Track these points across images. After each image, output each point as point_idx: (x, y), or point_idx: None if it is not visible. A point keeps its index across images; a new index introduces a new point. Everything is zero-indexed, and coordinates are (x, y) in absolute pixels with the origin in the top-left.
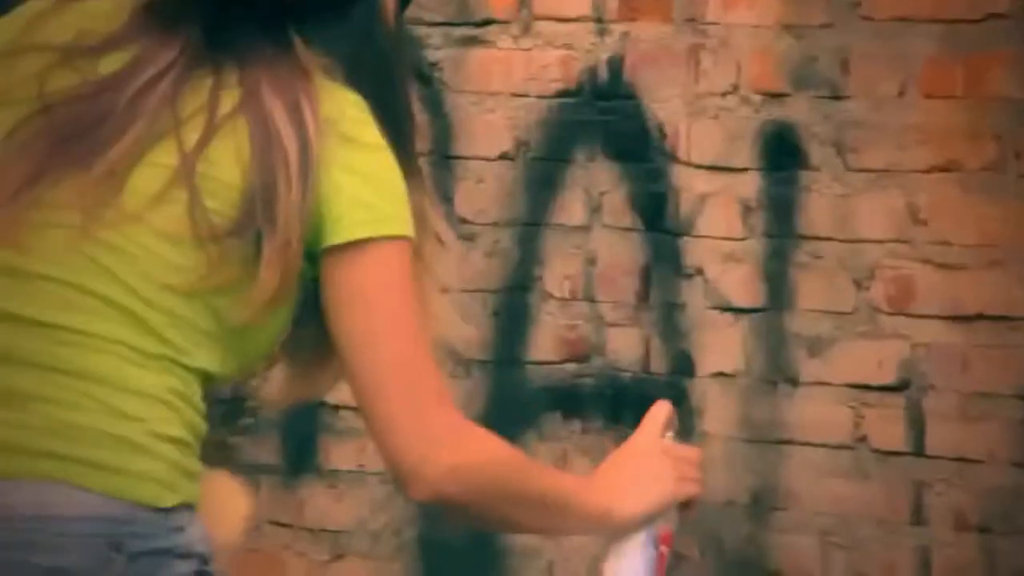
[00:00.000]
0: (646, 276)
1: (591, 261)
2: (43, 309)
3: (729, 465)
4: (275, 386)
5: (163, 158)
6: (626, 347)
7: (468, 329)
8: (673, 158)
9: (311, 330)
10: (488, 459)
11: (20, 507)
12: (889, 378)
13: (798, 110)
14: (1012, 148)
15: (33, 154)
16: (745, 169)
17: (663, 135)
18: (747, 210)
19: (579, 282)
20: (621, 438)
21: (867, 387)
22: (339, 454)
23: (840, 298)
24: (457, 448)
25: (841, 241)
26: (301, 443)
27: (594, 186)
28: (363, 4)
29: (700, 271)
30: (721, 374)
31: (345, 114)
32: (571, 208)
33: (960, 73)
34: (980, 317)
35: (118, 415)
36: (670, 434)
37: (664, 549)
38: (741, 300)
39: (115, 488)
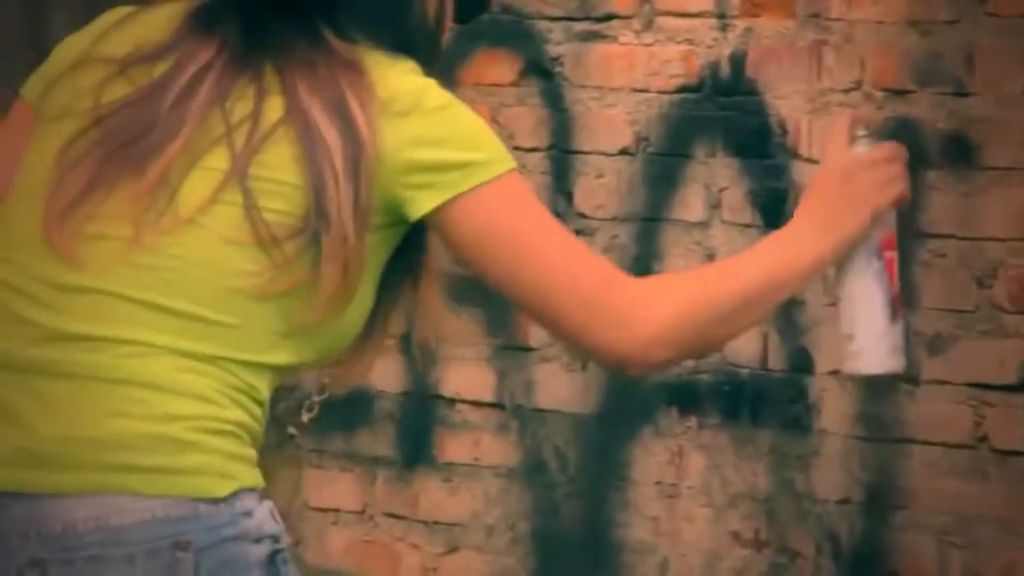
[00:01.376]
0: None
1: (710, 257)
2: (94, 322)
3: (847, 463)
4: (328, 372)
5: (216, 163)
6: (744, 343)
7: None
8: (794, 154)
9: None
10: (680, 309)
11: (82, 522)
12: (1010, 378)
13: (922, 107)
14: None
15: (86, 167)
16: None
17: (784, 131)
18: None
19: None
20: (737, 435)
21: (988, 386)
22: (454, 447)
23: (961, 296)
24: (647, 317)
25: (963, 239)
26: (417, 436)
27: (714, 182)
28: None
29: None
30: (840, 372)
31: (400, 88)
32: (690, 204)
33: None
34: None
35: (167, 417)
36: (862, 137)
37: (889, 254)
38: None
39: (170, 488)
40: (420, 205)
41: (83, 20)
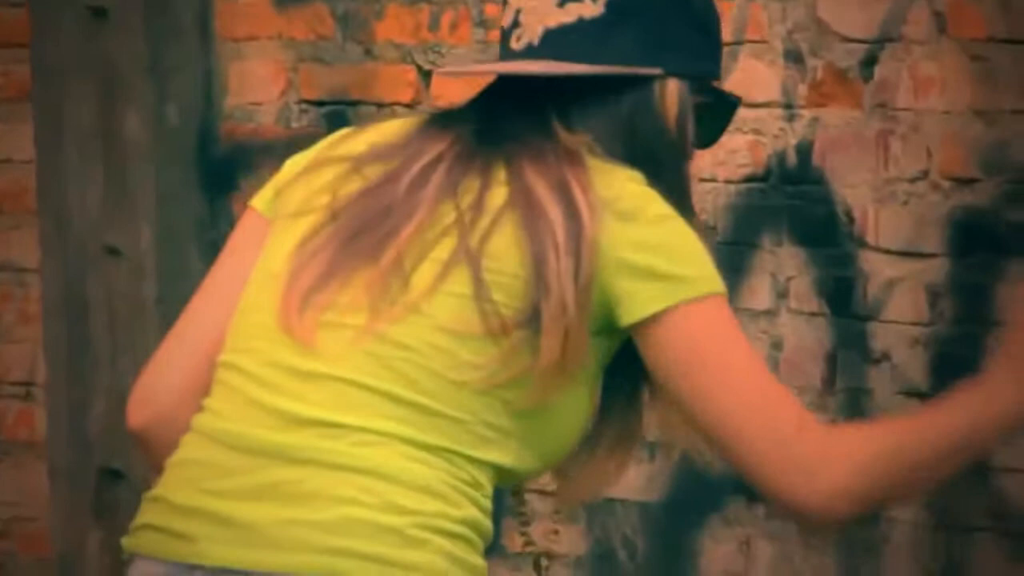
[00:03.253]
0: (832, 361)
1: (777, 346)
2: (329, 409)
3: (916, 552)
4: (562, 479)
5: (446, 252)
6: None
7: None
8: (861, 243)
9: (601, 418)
10: (868, 464)
11: None
12: None
13: (989, 196)
14: None
15: (323, 256)
16: (934, 255)
17: (851, 220)
18: (935, 296)
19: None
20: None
21: None
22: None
23: None
24: (832, 469)
25: None
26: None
27: (781, 271)
28: (628, 95)
29: (887, 356)
30: None
31: (624, 192)
32: (758, 292)
33: None
34: None
35: (394, 508)
36: None
37: None
38: (928, 386)
39: None
40: (630, 311)
41: (152, 115)
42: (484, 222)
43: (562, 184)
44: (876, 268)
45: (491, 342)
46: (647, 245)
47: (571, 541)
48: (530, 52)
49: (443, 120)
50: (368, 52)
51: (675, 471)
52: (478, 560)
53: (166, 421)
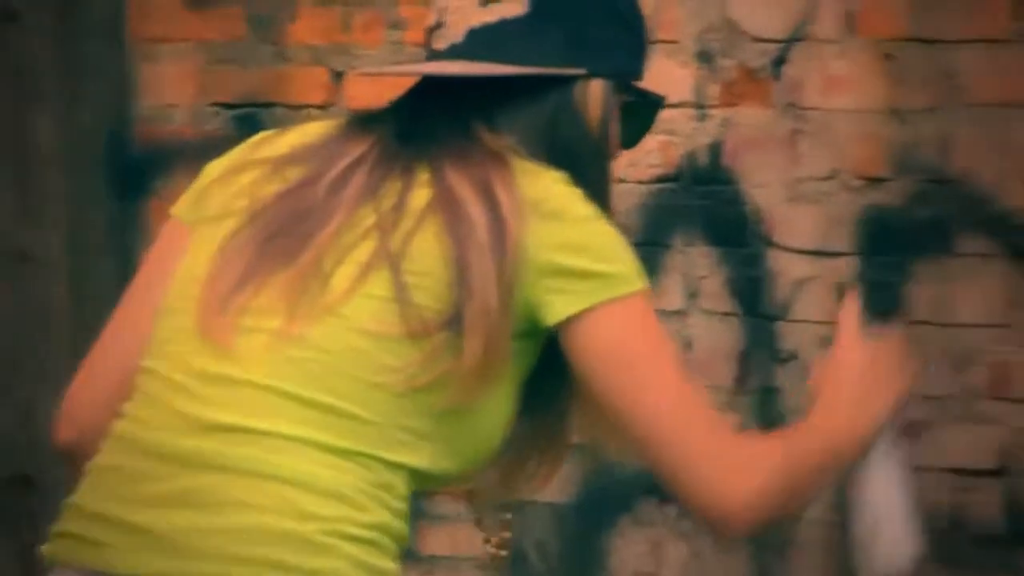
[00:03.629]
0: (743, 361)
1: (688, 345)
2: (238, 414)
3: (827, 550)
4: (485, 482)
5: (365, 254)
6: None
7: None
8: (771, 243)
9: (527, 422)
10: (776, 467)
11: None
12: (988, 463)
13: (898, 195)
14: None
15: (241, 261)
16: (844, 254)
17: (762, 220)
18: (845, 295)
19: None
20: None
21: (966, 471)
22: (434, 540)
23: (939, 382)
24: (748, 473)
25: (939, 326)
26: None
27: (692, 271)
28: (551, 97)
29: (796, 355)
30: None
31: (549, 193)
32: (669, 293)
33: None
34: None
35: (301, 515)
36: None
37: (906, 442)
38: None
39: None
40: (555, 310)
41: (64, 119)
42: (406, 224)
43: (485, 185)
44: (786, 267)
45: (411, 344)
46: (571, 245)
47: (482, 543)
48: (453, 52)
49: (365, 122)
50: (280, 54)
51: (586, 473)
52: (388, 564)
53: (93, 435)
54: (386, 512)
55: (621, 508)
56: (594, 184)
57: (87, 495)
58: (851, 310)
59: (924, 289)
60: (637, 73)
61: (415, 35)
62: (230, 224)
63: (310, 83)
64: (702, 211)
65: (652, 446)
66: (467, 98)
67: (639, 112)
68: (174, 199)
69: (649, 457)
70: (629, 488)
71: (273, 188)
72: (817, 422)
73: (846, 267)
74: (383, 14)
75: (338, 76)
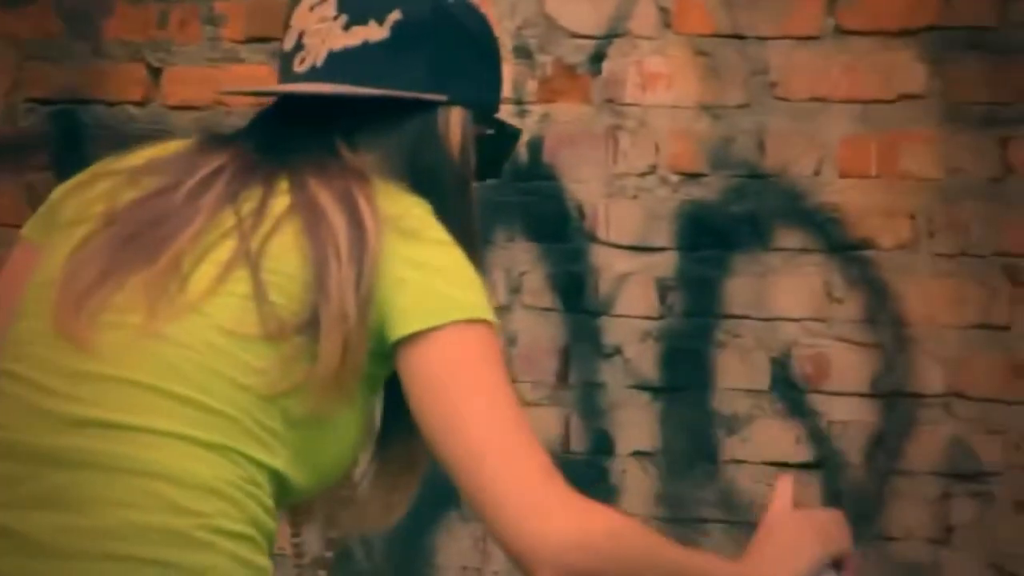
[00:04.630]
0: (566, 356)
1: (511, 341)
2: (107, 409)
3: None
4: (347, 513)
5: (225, 254)
6: (546, 426)
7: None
8: (592, 238)
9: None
10: (610, 529)
11: None
12: (806, 455)
13: (715, 190)
14: (926, 227)
15: (99, 258)
16: (664, 249)
17: (582, 215)
18: (665, 289)
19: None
20: None
21: (785, 464)
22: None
23: (758, 376)
24: (571, 519)
25: (758, 320)
26: None
27: (514, 266)
28: (412, 120)
29: (619, 350)
30: (640, 453)
31: (408, 212)
32: (491, 289)
33: (874, 153)
34: (896, 394)
35: (177, 510)
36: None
37: None
38: (659, 379)
39: None
40: (398, 325)
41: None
42: (265, 226)
43: (347, 195)
44: (607, 263)
45: (270, 346)
46: (425, 264)
47: (307, 541)
48: (313, 74)
49: (223, 139)
50: (96, 50)
51: None
52: (263, 560)
53: None
54: (259, 508)
55: (447, 504)
56: (456, 211)
57: None
58: (787, 489)
59: (742, 283)
60: (495, 104)
61: (232, 31)
62: (84, 229)
63: (127, 80)
64: (523, 207)
65: (474, 478)
66: (329, 122)
67: (496, 144)
68: None
69: (470, 489)
70: (453, 484)
71: (131, 195)
72: (715, 561)
73: (666, 262)
74: (199, 9)
75: (155, 72)
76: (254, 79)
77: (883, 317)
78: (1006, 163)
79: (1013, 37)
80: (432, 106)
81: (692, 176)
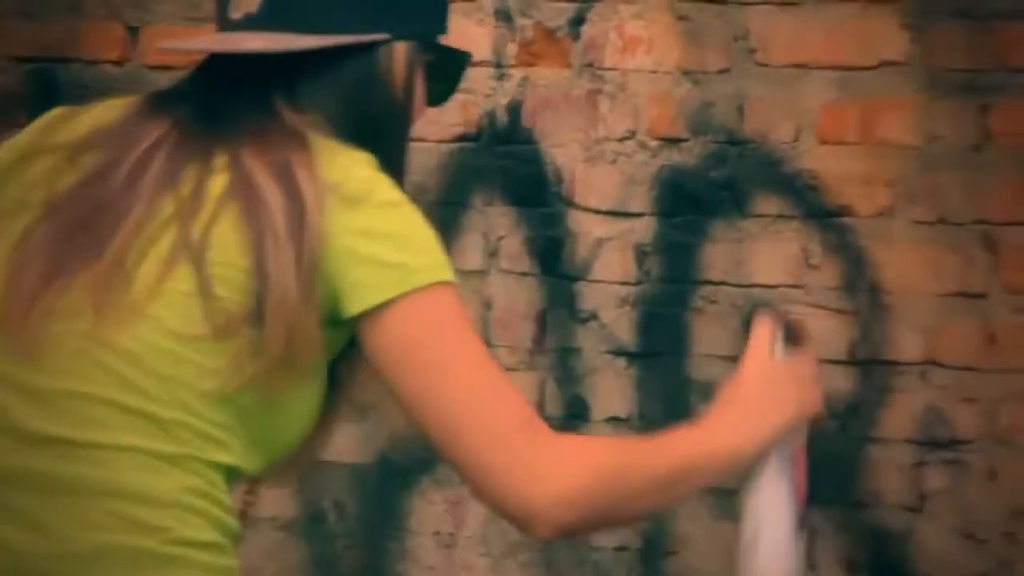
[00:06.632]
0: (542, 320)
1: (487, 305)
2: (63, 426)
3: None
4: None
5: (167, 246)
6: (522, 391)
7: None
8: (570, 203)
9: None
10: (596, 470)
11: None
12: None
13: (694, 155)
14: (905, 194)
15: (42, 259)
16: (641, 214)
17: (560, 180)
18: (643, 255)
19: (476, 326)
20: None
21: None
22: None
23: (734, 342)
24: (560, 473)
25: (735, 286)
26: None
27: (491, 231)
28: (354, 65)
29: (595, 316)
30: (615, 419)
31: (350, 175)
32: (468, 252)
33: (854, 119)
34: (872, 362)
35: (140, 528)
36: (779, 346)
37: (799, 469)
38: (636, 344)
39: None
40: (354, 301)
41: None
42: (205, 213)
43: (285, 168)
44: (585, 228)
45: (220, 343)
46: (373, 232)
47: (281, 503)
48: (249, 22)
49: (163, 101)
50: (74, 9)
51: (386, 433)
52: (231, 562)
53: None
54: (220, 511)
55: (420, 468)
56: (394, 149)
57: None
58: (764, 327)
59: (720, 249)
60: (440, 30)
61: None
62: (26, 219)
63: (106, 39)
64: (501, 171)
65: (454, 443)
66: (266, 69)
67: (445, 69)
68: None
69: (454, 456)
70: (428, 448)
71: (71, 179)
72: (684, 436)
73: (644, 227)
74: None
75: (134, 31)
76: None
77: (860, 284)
78: (986, 131)
79: (994, 4)
80: (374, 45)
81: (671, 141)
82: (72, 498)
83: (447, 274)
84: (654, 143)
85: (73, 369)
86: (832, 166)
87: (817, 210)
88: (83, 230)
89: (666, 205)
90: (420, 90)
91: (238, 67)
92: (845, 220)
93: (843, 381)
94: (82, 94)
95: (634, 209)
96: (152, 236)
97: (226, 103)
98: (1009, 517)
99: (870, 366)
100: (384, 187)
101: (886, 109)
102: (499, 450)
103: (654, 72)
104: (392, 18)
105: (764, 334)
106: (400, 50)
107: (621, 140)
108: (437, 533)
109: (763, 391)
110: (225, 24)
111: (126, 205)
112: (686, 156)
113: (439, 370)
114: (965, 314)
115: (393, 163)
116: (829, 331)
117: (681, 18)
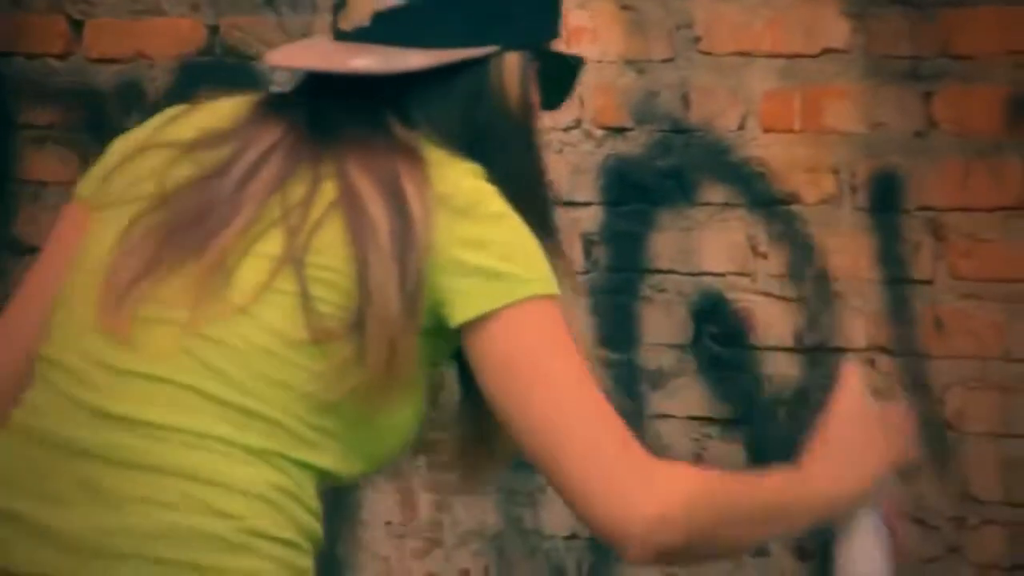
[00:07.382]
0: None
1: None
2: (144, 408)
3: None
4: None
5: (271, 248)
6: None
7: None
8: None
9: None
10: (691, 498)
11: None
12: (731, 411)
13: (640, 144)
14: (849, 182)
15: (147, 247)
16: (588, 203)
17: None
18: (590, 244)
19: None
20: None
21: (709, 419)
22: None
23: (682, 331)
24: (651, 499)
25: (683, 274)
26: None
27: None
28: (465, 80)
29: None
30: None
31: (459, 187)
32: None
33: (798, 107)
34: (819, 349)
35: (215, 513)
36: (869, 394)
37: (894, 523)
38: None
39: None
40: (458, 311)
41: None
42: (310, 220)
43: (392, 181)
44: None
45: (319, 349)
46: (479, 243)
47: None
48: (360, 35)
49: (277, 106)
50: (16, 2)
51: None
52: (306, 563)
53: None
54: (302, 511)
55: None
56: (523, 166)
57: None
58: (854, 378)
59: (667, 238)
60: (552, 35)
61: None
62: (133, 210)
63: (48, 32)
64: None
65: (554, 459)
66: (377, 83)
67: (558, 74)
68: None
69: (552, 472)
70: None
71: (183, 174)
72: (781, 480)
73: (591, 216)
74: None
75: (77, 25)
76: (175, 31)
77: (807, 272)
78: (929, 117)
79: None
80: (485, 58)
81: (616, 130)
82: (150, 475)
83: (552, 287)
84: (600, 132)
85: (164, 357)
86: (777, 154)
87: (763, 198)
88: (190, 225)
89: (613, 194)
90: (535, 99)
91: (348, 79)
92: (791, 208)
93: (791, 368)
94: (24, 88)
95: (580, 198)
96: (256, 238)
97: (336, 114)
98: (958, 502)
99: (817, 353)
100: (491, 198)
101: (829, 96)
102: (600, 470)
103: (599, 62)
104: (503, 28)
105: (855, 381)
106: (512, 61)
107: (567, 130)
108: (388, 523)
109: (857, 438)
110: (337, 35)
111: (235, 206)
112: (632, 145)
113: (541, 386)
114: (912, 300)
115: (524, 172)
116: (776, 318)
117: (625, 8)
